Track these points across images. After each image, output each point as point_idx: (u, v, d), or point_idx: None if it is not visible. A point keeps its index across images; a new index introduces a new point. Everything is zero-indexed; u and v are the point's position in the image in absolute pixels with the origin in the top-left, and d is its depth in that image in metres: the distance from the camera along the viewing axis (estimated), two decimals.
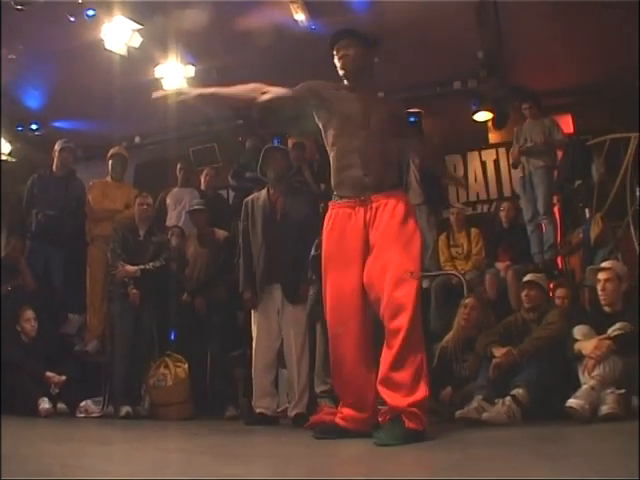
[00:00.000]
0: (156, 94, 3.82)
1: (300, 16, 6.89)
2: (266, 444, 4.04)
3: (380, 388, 3.47)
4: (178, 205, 7.46)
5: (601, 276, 4.74)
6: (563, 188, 7.21)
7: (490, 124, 8.74)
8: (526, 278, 5.36)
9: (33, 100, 8.45)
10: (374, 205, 3.64)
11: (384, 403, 3.51)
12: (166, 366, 5.92)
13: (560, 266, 7.27)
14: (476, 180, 9.11)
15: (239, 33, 7.07)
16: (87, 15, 6.38)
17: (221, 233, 6.46)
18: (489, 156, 9.13)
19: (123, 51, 6.80)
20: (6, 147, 8.98)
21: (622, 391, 4.12)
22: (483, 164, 9.14)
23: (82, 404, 5.96)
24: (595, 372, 4.19)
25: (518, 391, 4.42)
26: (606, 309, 4.68)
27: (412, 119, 7.97)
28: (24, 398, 5.57)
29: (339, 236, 3.68)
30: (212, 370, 6.28)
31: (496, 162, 9.05)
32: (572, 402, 4.05)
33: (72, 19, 6.32)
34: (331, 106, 3.77)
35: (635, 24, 6.47)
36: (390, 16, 6.88)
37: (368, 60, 3.92)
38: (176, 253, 6.51)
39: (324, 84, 3.86)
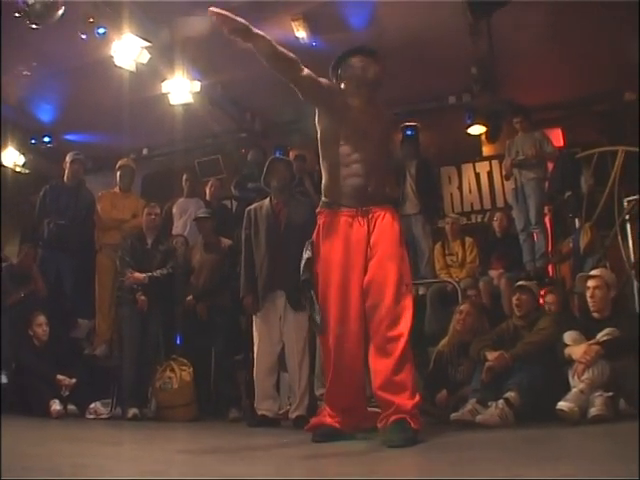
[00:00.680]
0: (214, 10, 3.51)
1: (302, 33, 6.99)
2: (268, 445, 4.02)
3: (382, 393, 3.49)
4: (184, 215, 7.56)
5: (590, 283, 4.78)
6: (554, 199, 7.32)
7: (484, 137, 8.83)
8: (518, 283, 5.44)
9: (46, 114, 8.57)
10: (374, 216, 3.70)
11: (382, 407, 3.55)
12: (172, 370, 5.98)
13: (551, 274, 7.35)
14: (470, 191, 9.25)
15: (243, 50, 7.09)
16: (98, 33, 6.46)
17: (226, 241, 6.51)
18: (483, 168, 9.27)
19: (132, 67, 6.89)
20: (20, 159, 9.09)
21: (610, 394, 4.16)
22: (477, 176, 9.27)
23: (91, 406, 5.98)
24: (584, 376, 4.24)
25: (510, 394, 4.45)
26: (595, 315, 4.72)
27: (409, 132, 8.19)
28: (36, 400, 5.63)
29: (344, 243, 3.67)
30: (216, 373, 6.34)
31: (489, 174, 9.19)
32: (562, 405, 4.10)
33: (84, 37, 6.40)
34: (340, 113, 3.75)
35: (623, 40, 6.65)
36: (388, 34, 7.02)
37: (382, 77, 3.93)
38: (182, 260, 6.56)
39: (340, 90, 3.85)
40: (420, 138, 8.16)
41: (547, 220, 7.52)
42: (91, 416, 5.95)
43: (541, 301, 5.70)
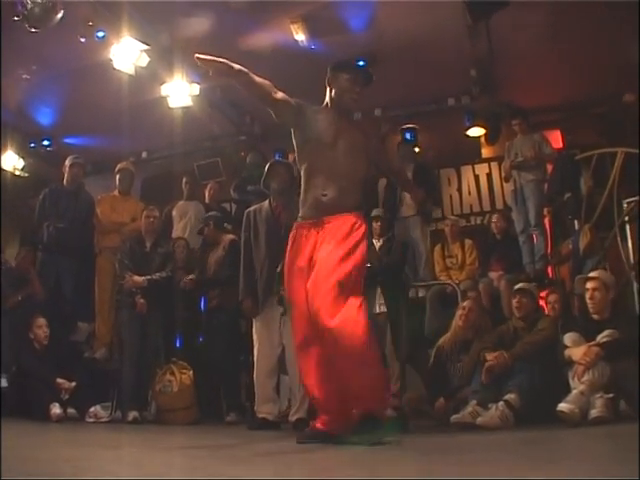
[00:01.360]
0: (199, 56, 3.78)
1: (301, 36, 7.02)
2: (268, 448, 3.99)
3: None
4: (184, 217, 7.58)
5: (589, 285, 4.79)
6: (553, 201, 7.33)
7: (483, 139, 8.87)
8: (517, 286, 5.44)
9: (45, 118, 8.59)
10: (326, 226, 3.73)
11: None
12: (172, 373, 5.98)
13: (550, 275, 7.36)
14: (470, 193, 9.26)
15: (242, 52, 7.15)
16: (97, 36, 6.49)
17: (227, 237, 6.56)
18: (482, 170, 9.28)
19: (131, 70, 6.91)
20: (19, 162, 9.10)
21: (610, 395, 4.19)
22: (476, 178, 9.28)
23: (91, 409, 5.99)
24: (584, 377, 4.26)
25: (511, 396, 4.48)
26: (594, 317, 4.73)
27: (408, 135, 8.20)
28: (36, 403, 5.62)
29: (297, 254, 3.76)
30: (216, 377, 6.35)
31: (489, 176, 9.21)
32: (563, 406, 4.12)
33: (83, 40, 6.41)
34: (307, 127, 3.82)
35: (622, 42, 6.66)
36: (388, 36, 7.07)
37: None
38: (182, 263, 6.63)
39: (309, 106, 3.91)
40: (419, 140, 8.18)
41: (546, 222, 7.53)
42: (91, 419, 5.96)
43: (542, 303, 5.71)
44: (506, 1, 6.11)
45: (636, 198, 6.59)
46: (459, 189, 9.34)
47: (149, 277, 6.18)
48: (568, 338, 4.63)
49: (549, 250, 7.36)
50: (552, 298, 5.68)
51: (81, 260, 6.98)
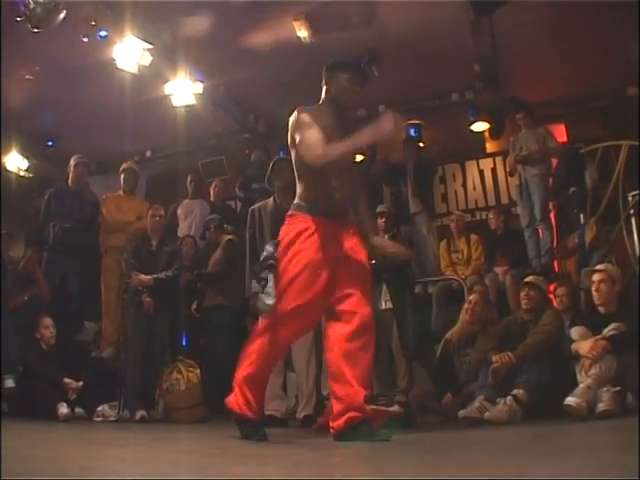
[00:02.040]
0: None
1: (303, 33, 6.98)
2: (276, 445, 3.98)
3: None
4: (189, 216, 7.61)
5: (595, 278, 4.81)
6: (558, 195, 7.31)
7: (487, 134, 8.81)
8: (526, 279, 5.47)
9: (49, 118, 8.53)
10: (345, 229, 3.79)
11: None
12: (179, 371, 6.00)
13: (557, 269, 7.36)
14: (475, 188, 9.25)
15: (245, 50, 7.21)
16: (100, 36, 6.47)
17: (225, 237, 6.60)
18: (487, 165, 9.26)
19: (134, 69, 6.90)
20: (24, 163, 9.11)
21: (617, 389, 4.18)
22: (481, 172, 9.27)
23: (99, 409, 6.02)
24: (592, 371, 4.26)
25: (519, 391, 4.50)
26: (600, 309, 4.75)
27: (412, 130, 8.19)
28: (43, 403, 5.63)
29: (319, 245, 3.68)
30: (223, 374, 6.39)
31: (493, 170, 9.19)
32: (570, 400, 4.11)
33: (85, 40, 6.39)
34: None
35: (625, 35, 6.65)
36: (391, 32, 7.05)
37: None
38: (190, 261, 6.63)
39: (313, 111, 3.82)
40: (424, 136, 8.17)
41: (552, 216, 7.51)
42: (98, 419, 5.98)
43: (551, 296, 5.70)
44: None
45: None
46: (464, 184, 9.33)
47: (155, 276, 6.19)
48: (575, 332, 4.65)
49: (555, 244, 7.34)
50: (560, 291, 5.64)
51: (87, 260, 7.00)
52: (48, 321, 6.11)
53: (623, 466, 2.25)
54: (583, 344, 4.45)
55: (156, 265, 6.30)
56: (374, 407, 4.60)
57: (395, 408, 4.78)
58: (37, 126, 8.75)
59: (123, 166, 7.50)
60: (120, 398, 6.28)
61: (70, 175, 7.12)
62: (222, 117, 8.70)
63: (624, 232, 6.62)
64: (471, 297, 5.62)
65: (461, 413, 4.61)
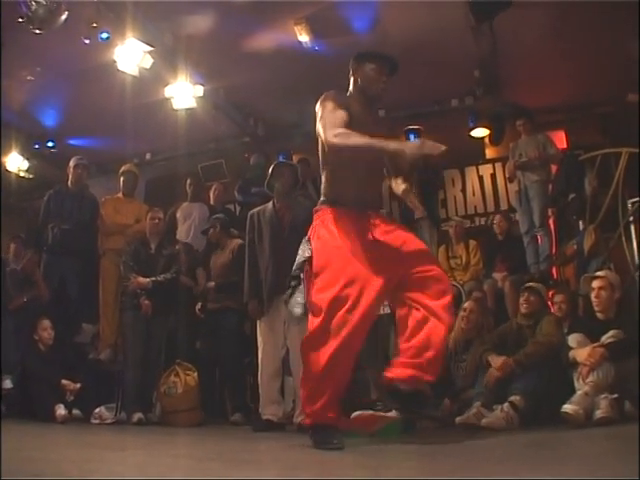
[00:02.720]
0: None
1: (304, 37, 7.00)
2: (273, 450, 4.04)
3: None
4: (188, 219, 7.56)
5: (595, 284, 4.81)
6: (557, 201, 7.31)
7: (487, 140, 8.85)
8: (526, 284, 5.49)
9: (49, 119, 8.60)
10: (377, 220, 3.72)
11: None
12: (176, 374, 5.99)
13: (555, 276, 7.35)
14: (474, 194, 9.26)
15: (246, 54, 7.21)
16: (101, 38, 6.46)
17: (235, 241, 6.56)
18: (486, 171, 9.28)
19: (135, 72, 6.89)
20: (24, 164, 9.11)
21: (615, 396, 4.18)
22: (480, 178, 9.29)
23: (96, 411, 5.99)
24: (589, 378, 4.24)
25: (516, 398, 4.47)
26: (599, 316, 4.75)
27: (412, 136, 8.20)
28: (41, 405, 5.66)
29: (352, 238, 3.60)
30: (221, 378, 6.39)
31: (493, 176, 9.20)
32: (567, 407, 4.10)
33: (87, 42, 6.39)
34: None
35: (626, 42, 6.66)
36: (391, 37, 7.00)
37: None
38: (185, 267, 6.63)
39: (342, 95, 3.81)
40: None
41: (551, 222, 7.51)
42: (96, 421, 5.95)
43: (550, 303, 5.71)
44: (509, 2, 6.10)
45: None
46: (463, 190, 9.34)
47: (154, 279, 6.19)
48: (573, 339, 4.63)
49: (554, 250, 7.35)
50: (558, 298, 5.65)
51: (86, 262, 6.98)
52: (46, 323, 6.12)
53: (620, 473, 2.30)
54: (581, 351, 4.44)
55: (155, 268, 6.30)
56: (372, 412, 4.62)
57: (393, 413, 4.77)
58: (38, 127, 8.77)
59: (122, 169, 7.48)
60: (117, 400, 6.24)
61: (70, 177, 7.10)
62: (222, 120, 8.70)
63: (623, 239, 6.65)
64: (466, 304, 5.60)
65: (458, 419, 4.60)
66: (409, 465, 3.01)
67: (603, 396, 4.19)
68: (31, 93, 7.66)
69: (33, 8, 5.64)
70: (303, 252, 3.74)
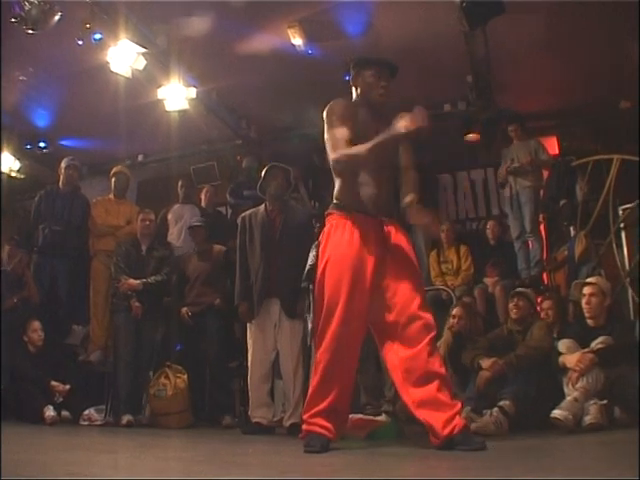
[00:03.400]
0: None
1: (298, 41, 6.96)
2: (263, 452, 4.04)
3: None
4: (179, 221, 7.52)
5: (586, 290, 4.85)
6: (549, 207, 7.34)
7: (479, 145, 8.81)
8: (516, 290, 5.51)
9: (41, 119, 8.55)
10: (388, 227, 3.68)
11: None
12: (166, 376, 5.99)
13: (546, 282, 7.39)
14: (465, 199, 9.27)
15: (239, 57, 7.18)
16: (94, 39, 6.41)
17: (219, 247, 6.56)
18: (478, 175, 9.28)
19: (128, 73, 6.86)
20: (15, 164, 9.09)
21: (604, 402, 4.22)
22: (472, 183, 9.31)
23: (85, 412, 6.00)
24: (579, 384, 4.30)
25: (505, 403, 4.48)
26: (590, 322, 4.79)
27: None
28: (30, 406, 5.64)
29: (357, 244, 3.58)
30: (211, 380, 6.36)
31: (485, 181, 9.20)
32: (557, 413, 4.15)
33: (80, 43, 6.34)
34: (349, 123, 3.69)
35: (617, 50, 6.70)
36: (384, 41, 7.01)
37: None
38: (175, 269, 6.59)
39: (347, 105, 3.78)
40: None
41: (542, 228, 7.56)
42: (85, 422, 5.96)
43: (538, 309, 5.71)
44: (502, 8, 6.12)
45: (632, 205, 6.62)
46: (455, 194, 9.35)
47: (145, 280, 6.19)
48: (562, 345, 4.67)
49: (544, 256, 7.38)
50: (546, 305, 5.67)
51: (76, 263, 6.96)
52: (37, 325, 6.11)
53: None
54: (570, 357, 4.48)
55: (145, 270, 6.29)
56: (361, 416, 4.62)
57: (382, 418, 4.78)
58: (29, 127, 8.74)
59: (114, 170, 7.46)
60: (107, 402, 6.25)
61: (61, 177, 7.08)
62: (214, 123, 8.68)
63: (614, 246, 6.69)
64: (455, 311, 5.60)
65: None
66: (399, 469, 3.01)
67: (592, 402, 4.23)
68: (23, 93, 7.62)
69: (26, 8, 5.62)
70: (310, 260, 3.76)
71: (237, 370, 6.41)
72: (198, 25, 6.72)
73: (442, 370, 3.47)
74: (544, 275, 7.45)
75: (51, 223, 6.81)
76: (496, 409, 4.48)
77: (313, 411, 3.59)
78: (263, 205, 5.46)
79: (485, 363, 4.84)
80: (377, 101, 3.82)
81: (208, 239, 6.64)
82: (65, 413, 5.84)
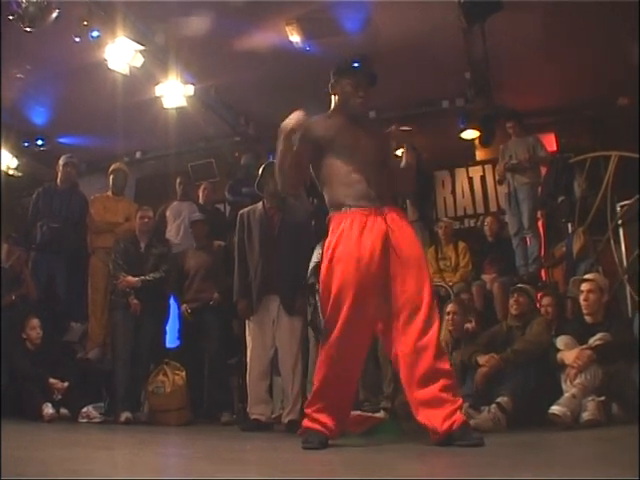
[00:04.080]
0: None
1: (296, 37, 7.00)
2: (261, 449, 4.04)
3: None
4: (177, 218, 7.50)
5: (584, 287, 4.85)
6: (547, 204, 7.32)
7: (477, 142, 8.85)
8: (516, 286, 5.51)
9: (39, 117, 8.57)
10: (389, 215, 3.64)
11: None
12: (165, 374, 5.98)
13: (544, 278, 7.39)
14: (463, 195, 9.31)
15: (237, 53, 7.21)
16: (91, 36, 6.42)
17: (217, 243, 6.57)
18: (476, 172, 9.33)
19: (125, 70, 6.86)
20: (13, 162, 9.09)
21: (602, 398, 4.22)
22: (470, 180, 9.33)
23: (84, 410, 5.97)
24: (577, 381, 4.29)
25: (503, 399, 4.49)
26: (587, 319, 4.79)
27: None
28: (28, 403, 5.63)
29: (359, 241, 3.56)
30: (209, 377, 6.33)
31: (483, 178, 9.25)
32: (554, 409, 4.15)
33: (77, 40, 6.37)
34: (324, 139, 3.74)
35: (615, 47, 6.72)
36: (383, 38, 7.07)
37: None
38: (174, 265, 6.59)
39: (313, 121, 3.79)
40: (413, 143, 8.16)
41: (540, 224, 7.54)
42: (83, 420, 5.93)
43: (538, 305, 5.72)
44: (500, 5, 6.13)
45: (630, 201, 6.63)
46: (453, 191, 9.38)
47: (143, 277, 6.19)
48: (560, 341, 4.67)
49: (542, 253, 7.37)
50: (546, 301, 5.66)
51: (74, 260, 6.95)
52: (35, 322, 6.09)
53: (608, 476, 2.30)
54: (568, 354, 4.48)
55: (144, 267, 6.29)
56: (360, 413, 4.62)
57: (381, 414, 4.78)
58: (27, 125, 8.74)
59: (112, 167, 7.44)
60: (105, 399, 6.26)
61: (59, 175, 7.07)
62: (213, 120, 8.70)
63: (612, 242, 6.68)
64: (449, 308, 5.59)
65: None
66: (398, 466, 3.00)
67: (590, 398, 4.22)
68: (21, 91, 7.63)
69: (24, 6, 5.62)
70: (314, 258, 3.76)
71: (236, 367, 6.41)
72: (196, 22, 6.73)
73: (447, 366, 3.46)
74: (542, 272, 7.45)
75: (49, 220, 6.79)
76: (494, 406, 4.49)
77: (316, 407, 3.62)
78: (261, 202, 5.45)
79: (482, 359, 4.86)
80: (355, 110, 3.84)
81: (208, 235, 6.65)
82: (63, 410, 5.81)
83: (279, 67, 7.40)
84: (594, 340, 4.51)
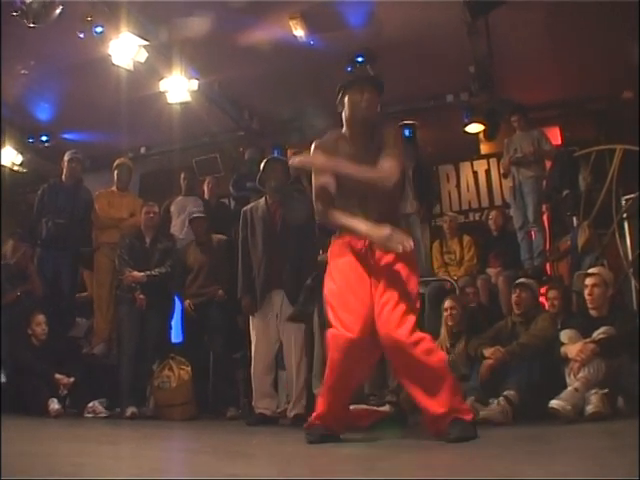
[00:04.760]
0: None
1: (299, 32, 6.99)
2: (267, 443, 4.06)
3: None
4: (182, 213, 7.51)
5: (589, 281, 4.83)
6: (552, 197, 7.29)
7: (481, 135, 8.83)
8: (518, 281, 5.50)
9: (44, 113, 8.60)
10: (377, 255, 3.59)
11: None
12: (170, 368, 6.03)
13: (549, 272, 7.37)
14: (468, 189, 9.30)
15: (241, 48, 7.20)
16: (95, 32, 6.45)
17: (218, 237, 6.58)
18: (481, 166, 9.32)
19: (129, 66, 6.88)
20: (17, 158, 9.10)
21: (605, 391, 4.21)
22: (475, 174, 9.32)
23: (90, 405, 6.00)
24: (580, 374, 4.28)
25: (510, 392, 4.53)
26: (592, 313, 4.77)
27: (407, 131, 8.20)
28: (34, 399, 5.64)
29: (351, 263, 3.59)
30: (214, 372, 6.40)
31: (487, 172, 9.24)
32: (554, 403, 4.15)
33: (81, 36, 6.40)
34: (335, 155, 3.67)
35: (621, 39, 6.68)
36: (387, 32, 7.07)
37: None
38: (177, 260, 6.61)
39: (327, 144, 3.75)
40: (418, 136, 8.17)
41: (545, 218, 7.53)
42: (89, 415, 5.97)
43: (542, 299, 5.72)
44: None
45: (634, 195, 6.61)
46: (458, 185, 9.38)
47: (149, 273, 6.20)
48: (564, 335, 4.67)
49: (547, 246, 7.35)
50: (552, 294, 5.66)
51: (80, 256, 6.97)
52: (41, 318, 6.11)
53: (613, 469, 2.31)
54: (572, 347, 4.48)
55: (149, 262, 6.31)
56: (365, 407, 4.63)
57: (386, 408, 4.79)
58: (32, 121, 8.75)
59: (117, 162, 7.43)
60: (111, 394, 6.25)
61: (64, 171, 7.05)
62: (217, 114, 8.69)
63: (617, 236, 6.65)
64: (446, 304, 5.57)
65: None
66: (404, 459, 2.99)
67: (594, 391, 4.22)
68: (25, 87, 7.65)
69: (28, 2, 5.63)
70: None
71: (241, 361, 6.43)
72: (200, 18, 6.74)
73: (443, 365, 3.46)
74: (547, 265, 7.42)
75: (54, 216, 6.78)
76: (502, 398, 4.52)
77: (316, 414, 3.65)
78: (264, 198, 5.47)
79: (488, 351, 4.89)
80: (363, 117, 3.70)
81: (209, 230, 6.65)
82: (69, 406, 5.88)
83: (283, 61, 7.39)
84: (598, 334, 4.50)
